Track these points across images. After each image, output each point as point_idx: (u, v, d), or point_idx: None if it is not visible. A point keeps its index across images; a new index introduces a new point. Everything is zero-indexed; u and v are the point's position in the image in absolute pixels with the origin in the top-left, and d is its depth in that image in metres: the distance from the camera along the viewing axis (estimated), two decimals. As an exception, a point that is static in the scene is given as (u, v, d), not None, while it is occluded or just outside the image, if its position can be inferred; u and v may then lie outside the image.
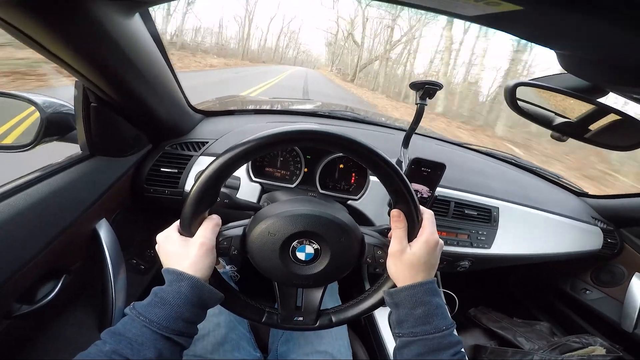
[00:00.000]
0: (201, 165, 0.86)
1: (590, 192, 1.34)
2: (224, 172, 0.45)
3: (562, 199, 1.22)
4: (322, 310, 0.58)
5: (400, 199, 0.49)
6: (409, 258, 0.49)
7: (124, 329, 0.41)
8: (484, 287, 1.64)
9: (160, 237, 0.50)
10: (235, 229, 0.52)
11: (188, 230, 0.48)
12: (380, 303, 0.54)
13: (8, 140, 0.73)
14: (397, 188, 0.48)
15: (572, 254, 1.13)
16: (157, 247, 0.50)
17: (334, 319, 0.57)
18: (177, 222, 0.50)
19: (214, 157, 0.45)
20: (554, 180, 1.33)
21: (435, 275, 1.20)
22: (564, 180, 1.35)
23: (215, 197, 0.48)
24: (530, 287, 1.62)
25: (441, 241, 0.51)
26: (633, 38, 0.30)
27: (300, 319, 0.57)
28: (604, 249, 1.22)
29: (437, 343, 0.45)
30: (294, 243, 0.49)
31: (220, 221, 0.51)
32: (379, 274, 0.55)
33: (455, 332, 0.47)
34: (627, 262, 1.25)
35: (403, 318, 0.48)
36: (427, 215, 0.51)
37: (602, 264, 1.31)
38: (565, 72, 0.50)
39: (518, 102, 0.64)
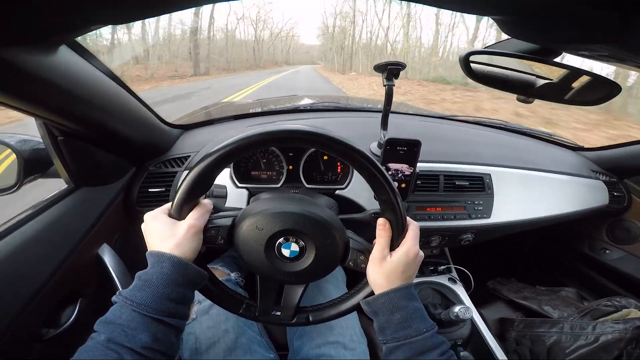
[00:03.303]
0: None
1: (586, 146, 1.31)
2: (219, 162, 0.46)
3: (558, 156, 1.19)
4: (300, 308, 0.59)
5: (389, 208, 0.50)
6: (388, 266, 0.51)
7: (114, 317, 0.41)
8: (498, 258, 1.61)
9: (148, 217, 0.50)
10: (225, 219, 0.53)
11: (178, 214, 0.49)
12: (359, 306, 0.55)
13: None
14: (387, 198, 0.49)
15: (580, 212, 1.10)
16: (143, 225, 0.50)
17: (311, 317, 0.58)
18: (167, 205, 0.50)
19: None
20: (546, 139, 1.30)
21: (443, 252, 1.20)
22: (557, 137, 1.32)
23: (209, 185, 0.49)
24: (547, 252, 1.58)
25: (421, 253, 0.53)
26: None
27: (278, 313, 0.58)
28: (611, 204, 1.18)
29: (421, 345, 0.46)
30: (280, 239, 0.51)
31: (211, 207, 0.52)
32: None
33: (437, 334, 0.48)
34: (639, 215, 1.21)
35: (384, 325, 0.50)
36: (412, 227, 0.53)
37: (614, 220, 1.27)
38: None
39: (472, 67, 0.65)
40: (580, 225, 1.36)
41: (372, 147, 0.92)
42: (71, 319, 0.66)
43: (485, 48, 0.62)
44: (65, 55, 0.53)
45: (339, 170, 0.91)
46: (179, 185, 0.48)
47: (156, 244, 0.47)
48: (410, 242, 0.52)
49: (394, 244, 0.52)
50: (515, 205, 0.99)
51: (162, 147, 0.91)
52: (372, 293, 0.53)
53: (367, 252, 0.53)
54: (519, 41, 0.56)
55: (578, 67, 0.61)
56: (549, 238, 1.54)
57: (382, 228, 0.52)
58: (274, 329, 0.82)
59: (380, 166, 0.47)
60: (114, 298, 0.43)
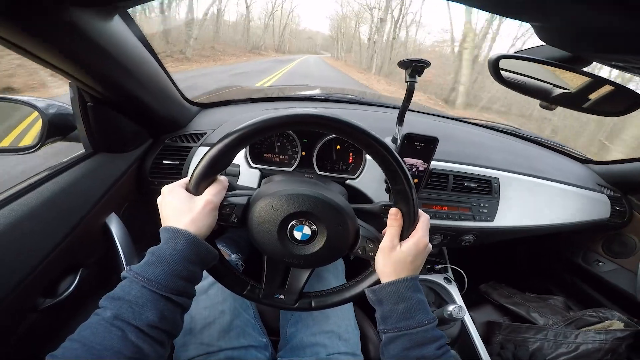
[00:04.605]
0: (201, 156, 0.88)
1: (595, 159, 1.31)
2: (242, 140, 0.46)
3: (565, 166, 1.20)
4: (304, 293, 0.60)
5: (402, 198, 0.51)
6: (397, 256, 0.51)
7: (123, 292, 0.40)
8: (494, 262, 1.64)
9: (166, 189, 0.50)
10: (240, 198, 0.53)
11: (196, 190, 0.49)
12: (362, 294, 0.56)
13: (18, 143, 0.76)
14: (401, 188, 0.49)
15: (580, 223, 1.11)
16: (159, 199, 0.50)
17: (313, 303, 0.59)
18: (184, 180, 0.51)
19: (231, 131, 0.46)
20: (556, 148, 1.31)
21: (441, 252, 1.23)
22: (567, 148, 1.33)
23: (228, 163, 0.50)
24: (541, 260, 1.61)
25: (430, 245, 0.53)
26: (603, 6, 0.30)
27: (282, 297, 0.59)
28: (612, 218, 1.19)
29: (421, 337, 0.47)
30: (294, 221, 0.51)
31: (227, 185, 0.52)
32: None
33: (436, 328, 0.49)
34: (638, 231, 1.23)
35: (387, 314, 0.50)
36: (423, 218, 0.53)
37: (612, 234, 1.29)
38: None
39: (502, 72, 0.66)
40: (578, 236, 1.39)
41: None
42: (70, 289, 0.66)
43: (515, 53, 0.62)
44: (118, 24, 0.55)
45: (350, 160, 0.93)
46: (199, 159, 0.48)
47: (171, 219, 0.46)
48: (421, 233, 0.52)
49: (404, 234, 0.52)
50: (518, 211, 1.00)
51: (181, 122, 0.92)
52: (377, 282, 0.53)
53: (377, 240, 0.54)
54: (550, 48, 0.56)
55: (605, 77, 0.61)
56: (544, 246, 1.56)
57: (394, 218, 0.52)
58: (268, 314, 0.83)
59: (398, 156, 0.48)
60: (123, 273, 0.43)
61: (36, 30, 0.44)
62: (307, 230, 0.51)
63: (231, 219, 0.52)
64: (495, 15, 0.40)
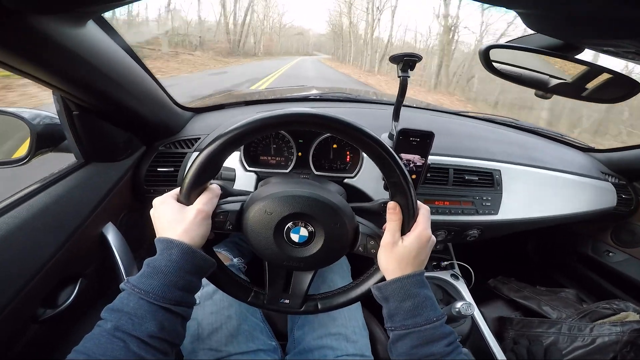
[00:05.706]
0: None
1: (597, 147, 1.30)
2: (227, 146, 0.45)
3: (568, 156, 1.19)
4: (309, 296, 0.58)
5: (399, 191, 0.49)
6: (400, 251, 0.49)
7: (122, 304, 0.40)
8: (501, 256, 1.61)
9: (157, 201, 0.49)
10: (233, 204, 0.52)
11: (187, 199, 0.48)
12: (368, 293, 0.54)
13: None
14: (397, 181, 0.48)
15: (587, 213, 1.09)
16: (152, 211, 0.50)
17: (320, 305, 0.57)
18: (175, 190, 0.50)
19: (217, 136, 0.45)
20: (557, 138, 1.30)
21: (447, 248, 1.21)
22: (568, 138, 1.32)
23: (217, 170, 0.49)
24: (550, 252, 1.59)
25: (433, 237, 0.51)
26: None
27: (287, 301, 0.57)
28: (619, 207, 1.18)
29: (429, 334, 0.45)
30: (289, 224, 0.50)
31: (219, 192, 0.51)
32: None
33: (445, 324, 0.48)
34: None
35: (393, 312, 0.48)
36: (423, 210, 0.52)
37: (620, 223, 1.27)
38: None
39: (494, 64, 0.65)
40: (585, 227, 1.36)
41: (381, 138, 0.92)
42: (70, 300, 0.65)
43: (507, 42, 0.61)
44: (92, 30, 0.54)
45: (348, 159, 0.91)
46: (187, 169, 0.47)
47: (165, 230, 0.46)
48: (422, 225, 0.50)
49: (405, 228, 0.50)
50: (522, 203, 0.98)
51: (173, 128, 0.91)
52: (382, 279, 0.52)
53: (378, 237, 0.52)
54: (541, 37, 0.55)
55: (599, 64, 0.61)
56: (552, 238, 1.54)
57: (393, 212, 0.50)
58: (275, 317, 0.82)
59: (390, 148, 0.46)
60: (121, 285, 0.43)
61: (5, 40, 0.43)
62: (303, 232, 0.50)
63: (226, 226, 0.51)
64: (484, 4, 0.39)
